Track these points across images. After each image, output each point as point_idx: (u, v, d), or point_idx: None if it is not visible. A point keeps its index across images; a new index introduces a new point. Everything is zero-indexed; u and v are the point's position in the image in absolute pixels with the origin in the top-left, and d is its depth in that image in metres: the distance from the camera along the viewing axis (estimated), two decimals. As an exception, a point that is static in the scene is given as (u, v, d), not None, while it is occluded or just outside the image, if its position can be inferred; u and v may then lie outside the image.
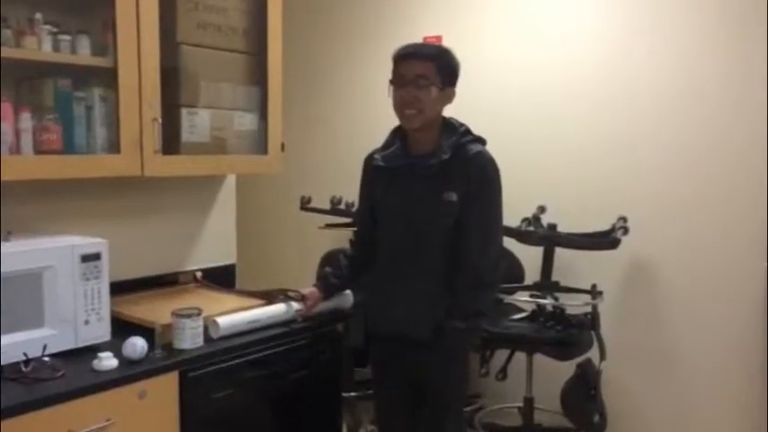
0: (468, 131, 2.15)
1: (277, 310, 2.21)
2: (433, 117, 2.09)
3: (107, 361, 1.78)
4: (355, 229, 2.50)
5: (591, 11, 3.25)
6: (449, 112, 2.17)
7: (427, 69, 2.04)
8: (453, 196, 2.05)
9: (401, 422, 2.28)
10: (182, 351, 1.92)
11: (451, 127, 2.13)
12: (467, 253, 2.07)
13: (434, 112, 2.09)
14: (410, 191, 2.13)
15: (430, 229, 2.10)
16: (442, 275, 2.09)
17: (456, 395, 2.22)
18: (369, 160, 2.26)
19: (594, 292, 2.98)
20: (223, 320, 2.04)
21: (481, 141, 2.16)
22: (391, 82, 2.10)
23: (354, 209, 3.61)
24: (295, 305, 2.23)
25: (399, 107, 2.08)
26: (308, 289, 2.29)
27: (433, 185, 2.08)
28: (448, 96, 2.11)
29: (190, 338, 1.93)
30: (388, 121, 2.19)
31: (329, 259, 3.47)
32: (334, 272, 2.34)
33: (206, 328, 2.01)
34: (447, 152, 2.06)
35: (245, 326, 2.10)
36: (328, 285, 2.32)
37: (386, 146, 2.21)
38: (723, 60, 2.93)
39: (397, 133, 2.19)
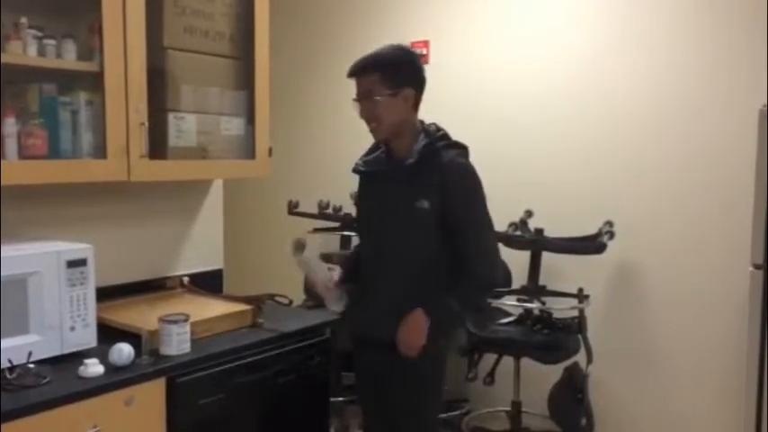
0: (444, 137, 2.12)
1: None
2: (396, 124, 2.06)
3: (93, 367, 1.77)
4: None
5: (579, 16, 3.26)
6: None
7: (371, 83, 2.04)
8: (425, 203, 2.03)
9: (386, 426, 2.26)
10: (169, 357, 1.91)
11: (427, 132, 2.10)
12: (468, 261, 2.07)
13: (395, 120, 2.06)
14: (385, 196, 2.13)
15: (400, 234, 2.09)
16: (414, 280, 2.08)
17: (415, 403, 2.11)
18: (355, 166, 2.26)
19: (581, 296, 2.99)
20: None
21: (458, 147, 2.12)
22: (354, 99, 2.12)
23: (342, 213, 3.63)
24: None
25: (365, 122, 2.10)
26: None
27: (405, 192, 2.07)
28: (405, 98, 2.05)
29: (177, 344, 1.92)
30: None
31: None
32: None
33: None
34: (414, 156, 2.05)
35: None
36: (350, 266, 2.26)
37: (369, 151, 2.22)
38: (709, 67, 2.95)
39: None
